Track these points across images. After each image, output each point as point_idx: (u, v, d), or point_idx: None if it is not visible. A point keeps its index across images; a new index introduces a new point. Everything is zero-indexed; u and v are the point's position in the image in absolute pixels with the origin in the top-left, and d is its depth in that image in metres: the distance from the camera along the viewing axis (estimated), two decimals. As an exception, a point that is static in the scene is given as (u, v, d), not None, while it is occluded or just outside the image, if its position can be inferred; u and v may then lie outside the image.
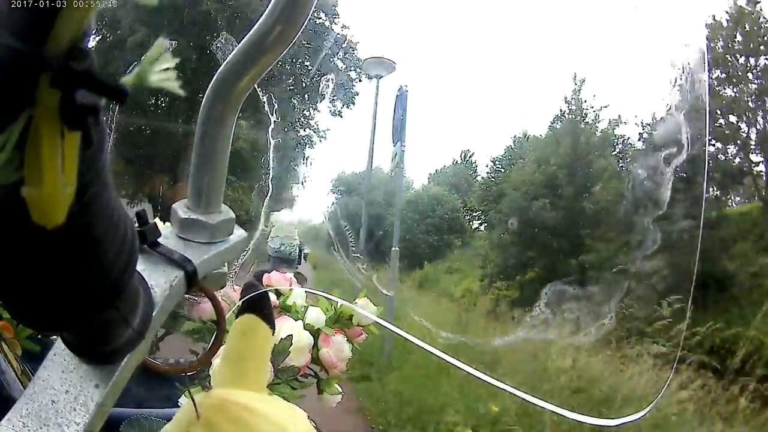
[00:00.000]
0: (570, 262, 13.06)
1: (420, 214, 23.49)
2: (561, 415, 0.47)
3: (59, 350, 0.33)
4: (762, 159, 12.51)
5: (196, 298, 0.67)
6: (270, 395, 0.47)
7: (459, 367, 0.51)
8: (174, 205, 0.42)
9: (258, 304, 0.45)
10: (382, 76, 6.92)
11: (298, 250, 6.72)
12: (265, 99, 0.59)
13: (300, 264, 6.82)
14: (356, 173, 33.69)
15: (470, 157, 31.85)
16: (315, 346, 0.77)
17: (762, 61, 11.99)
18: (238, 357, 0.43)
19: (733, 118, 12.46)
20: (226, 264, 0.45)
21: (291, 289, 0.79)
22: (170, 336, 0.70)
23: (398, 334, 0.54)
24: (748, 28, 11.93)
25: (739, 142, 12.46)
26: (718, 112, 11.92)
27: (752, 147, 12.52)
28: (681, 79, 0.53)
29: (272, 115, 0.62)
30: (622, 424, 0.49)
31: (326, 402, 0.79)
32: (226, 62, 0.38)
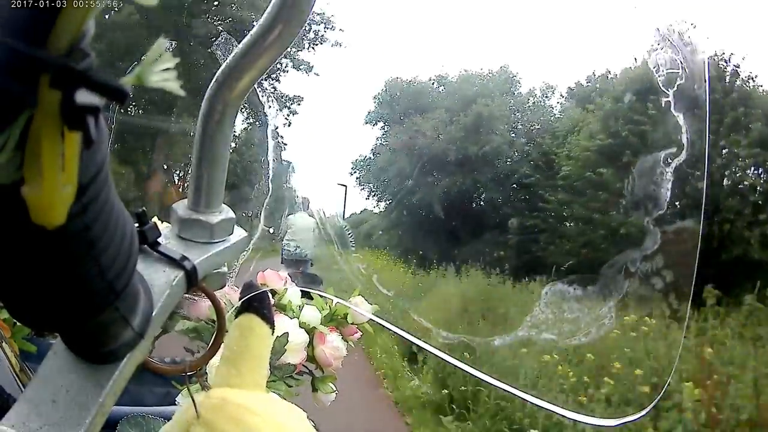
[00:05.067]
0: None
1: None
2: (561, 415, 0.47)
3: (59, 350, 0.33)
4: None
5: (195, 298, 0.67)
6: (268, 394, 0.47)
7: (459, 367, 0.51)
8: (174, 205, 0.42)
9: (257, 304, 0.45)
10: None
11: (311, 252, 6.75)
12: (265, 99, 0.59)
13: (312, 265, 6.85)
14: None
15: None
16: (310, 344, 0.78)
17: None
18: (237, 356, 0.43)
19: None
20: (225, 264, 0.45)
21: (286, 288, 0.80)
22: (164, 335, 0.70)
23: (394, 332, 0.54)
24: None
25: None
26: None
27: None
28: (681, 78, 0.53)
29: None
30: (622, 423, 0.49)
31: (320, 401, 0.80)
32: (226, 62, 0.37)
